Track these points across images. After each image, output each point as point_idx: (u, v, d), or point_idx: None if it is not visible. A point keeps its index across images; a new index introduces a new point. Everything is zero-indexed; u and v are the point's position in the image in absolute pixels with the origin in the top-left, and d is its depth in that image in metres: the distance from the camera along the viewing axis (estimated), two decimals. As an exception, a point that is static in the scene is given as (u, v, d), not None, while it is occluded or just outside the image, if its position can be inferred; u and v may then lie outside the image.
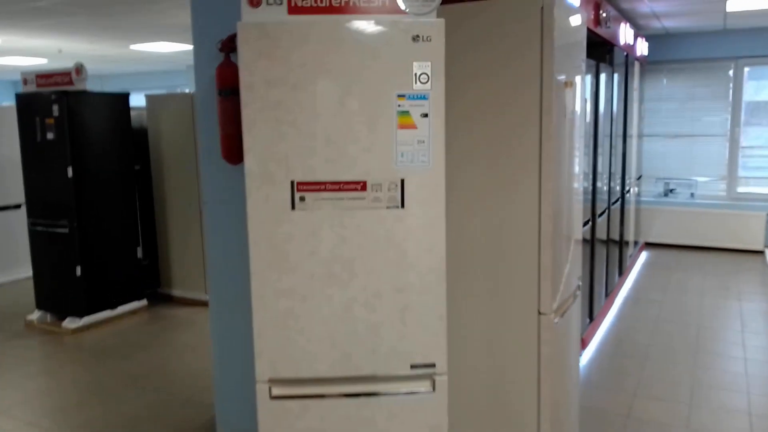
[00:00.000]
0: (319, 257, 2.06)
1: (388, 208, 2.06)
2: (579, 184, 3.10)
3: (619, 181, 5.96)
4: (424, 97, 2.03)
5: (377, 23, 1.99)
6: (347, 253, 2.07)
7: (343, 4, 2.02)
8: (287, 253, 2.06)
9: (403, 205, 2.07)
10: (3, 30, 6.44)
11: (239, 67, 2.00)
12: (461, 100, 2.57)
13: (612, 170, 5.49)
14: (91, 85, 5.31)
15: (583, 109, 3.31)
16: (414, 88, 2.02)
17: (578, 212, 3.07)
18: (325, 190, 2.04)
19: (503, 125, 2.55)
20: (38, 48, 7.64)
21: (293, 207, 2.04)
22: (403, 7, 2.02)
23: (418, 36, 2.00)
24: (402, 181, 2.06)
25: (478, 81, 2.55)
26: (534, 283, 2.59)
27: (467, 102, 2.57)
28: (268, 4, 2.02)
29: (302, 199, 2.04)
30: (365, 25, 1.99)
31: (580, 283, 3.12)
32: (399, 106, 2.02)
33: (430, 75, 2.02)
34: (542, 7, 2.48)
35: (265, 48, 1.98)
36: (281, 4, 2.03)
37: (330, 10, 2.02)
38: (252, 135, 2.01)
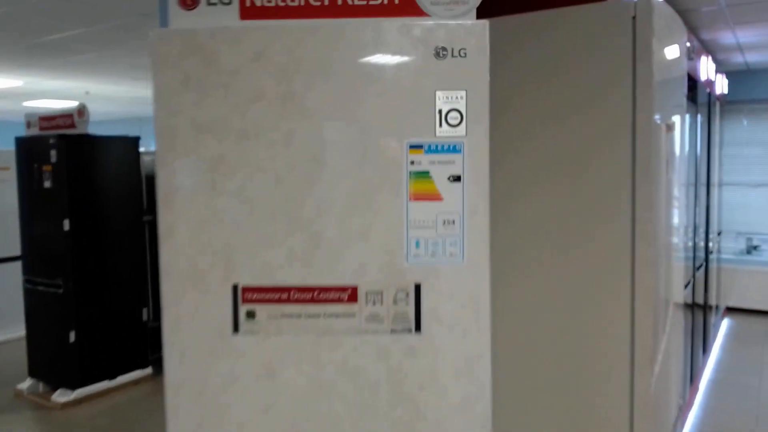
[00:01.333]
0: (278, 417, 1.22)
1: (393, 332, 1.22)
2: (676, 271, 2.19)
3: (702, 236, 4.94)
4: (454, 149, 1.19)
5: (377, 29, 1.18)
6: (327, 410, 1.22)
7: (325, 2, 1.22)
8: (225, 409, 1.22)
9: (418, 328, 1.21)
10: (22, 71, 5.99)
11: (153, 100, 1.22)
12: (519, 152, 1.72)
13: (696, 225, 4.49)
14: (130, 129, 4.69)
15: (683, 161, 2.41)
16: (438, 134, 1.19)
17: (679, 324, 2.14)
18: (289, 300, 1.22)
19: (584, 192, 1.68)
20: (63, 90, 7.21)
21: (236, 329, 1.22)
22: (424, 5, 1.21)
23: (444, 49, 1.18)
24: (417, 288, 1.21)
25: (547, 122, 1.69)
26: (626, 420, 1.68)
27: (528, 155, 1.72)
28: (209, 4, 1.24)
29: (251, 315, 1.22)
30: (359, 33, 1.18)
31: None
32: (412, 163, 1.20)
33: (464, 113, 1.19)
34: (634, 17, 1.63)
35: (195, 71, 1.19)
36: (229, 3, 1.24)
37: (305, 11, 1.22)
38: (171, 211, 1.21)
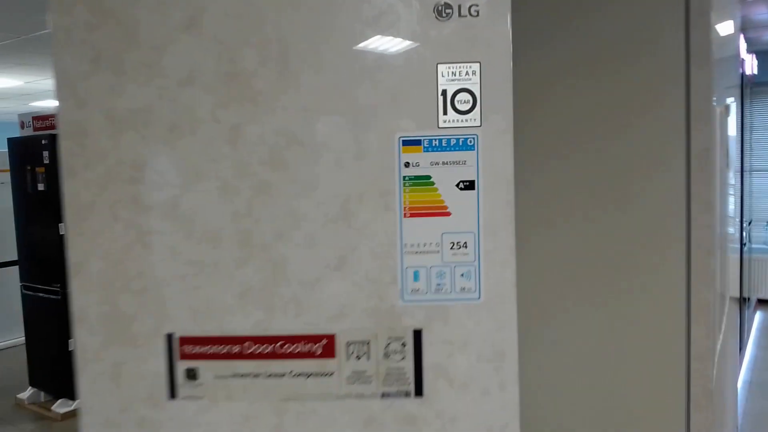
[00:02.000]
0: None
1: (385, 396, 0.87)
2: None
3: (738, 225, 4.53)
4: (465, 145, 0.85)
5: (355, -20, 0.83)
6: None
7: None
8: (156, 503, 0.89)
9: (419, 391, 0.87)
10: (21, 69, 5.72)
11: (55, 87, 0.88)
12: (556, 154, 1.36)
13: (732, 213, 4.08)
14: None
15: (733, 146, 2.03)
16: (441, 124, 0.85)
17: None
18: (242, 355, 0.88)
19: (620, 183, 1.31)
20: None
21: (173, 393, 0.89)
22: (419, -49, 0.86)
23: (448, 6, 0.83)
24: (417, 336, 0.87)
25: (595, 121, 1.32)
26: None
27: (567, 157, 1.35)
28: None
29: (192, 374, 0.88)
30: (329, -13, 0.84)
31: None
32: (407, 165, 0.85)
33: (478, 94, 0.84)
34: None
35: (109, 47, 0.85)
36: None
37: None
38: (83, 236, 0.88)
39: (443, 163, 0.85)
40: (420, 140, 0.84)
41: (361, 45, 0.83)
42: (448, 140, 0.84)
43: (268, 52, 0.84)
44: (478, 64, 0.83)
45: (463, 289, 0.86)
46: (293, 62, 0.84)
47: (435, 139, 0.84)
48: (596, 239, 1.30)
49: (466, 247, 0.86)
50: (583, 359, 1.33)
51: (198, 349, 0.88)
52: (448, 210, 0.85)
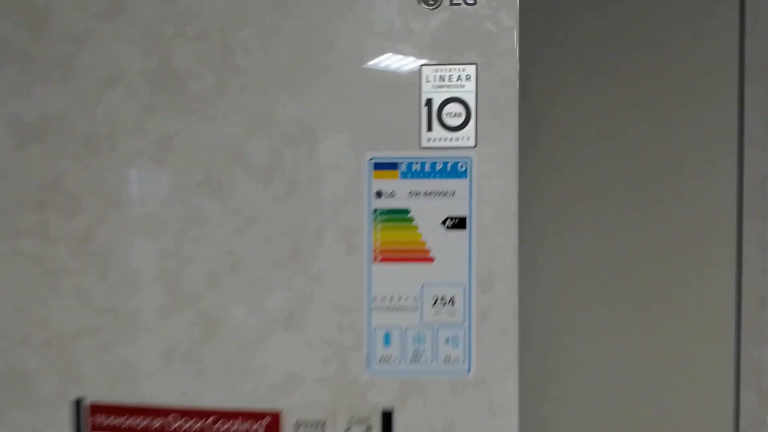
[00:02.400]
0: None
1: (341, 497, 0.67)
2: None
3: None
4: (454, 171, 0.65)
5: (320, -41, 0.65)
6: None
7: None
8: None
9: (387, 491, 0.66)
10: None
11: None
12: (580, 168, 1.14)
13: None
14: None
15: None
16: (425, 143, 0.65)
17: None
18: (163, 432, 0.68)
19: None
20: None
21: (76, 477, 0.69)
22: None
23: (438, -8, 0.64)
24: (387, 418, 0.66)
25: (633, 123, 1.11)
26: None
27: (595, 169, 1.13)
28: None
29: (101, 455, 0.69)
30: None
31: None
32: (379, 195, 0.65)
33: (472, 105, 0.64)
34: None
35: (16, 39, 0.69)
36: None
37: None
38: (-26, 271, 0.70)
39: (426, 193, 0.65)
40: (396, 163, 0.65)
41: (324, 39, 0.65)
42: (433, 164, 0.64)
43: (206, 45, 0.66)
44: (473, 67, 0.64)
45: (448, 358, 0.65)
46: (237, 59, 0.65)
47: (416, 162, 0.64)
48: (632, 244, 1.07)
49: (453, 304, 0.65)
50: (612, 383, 1.09)
51: (112, 421, 0.69)
52: (430, 255, 0.65)
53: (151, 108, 0.67)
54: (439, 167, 0.64)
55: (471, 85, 0.64)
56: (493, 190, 0.64)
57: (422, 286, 0.65)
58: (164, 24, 0.66)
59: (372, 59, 0.64)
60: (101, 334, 0.69)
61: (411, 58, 0.64)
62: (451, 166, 0.64)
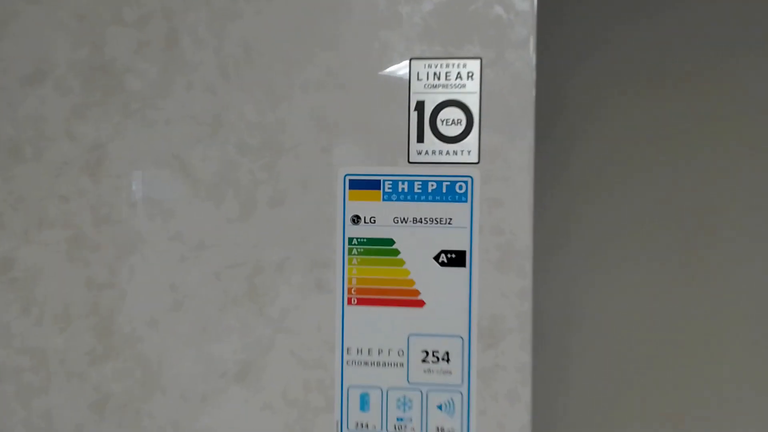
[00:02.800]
0: None
1: None
2: None
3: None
4: (452, 193, 0.51)
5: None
6: None
7: None
8: None
9: None
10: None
11: None
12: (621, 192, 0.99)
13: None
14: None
15: None
16: (414, 157, 0.51)
17: None
18: (89, 504, 0.56)
19: None
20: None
21: None
22: None
23: (436, -33, 0.51)
24: (361, 499, 0.53)
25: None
26: None
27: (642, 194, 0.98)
28: None
29: None
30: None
31: None
32: (356, 221, 0.52)
33: (474, 109, 0.50)
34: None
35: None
36: None
37: None
38: None
39: (415, 220, 0.51)
40: (378, 181, 0.51)
41: (289, 27, 0.52)
42: (425, 184, 0.51)
43: (148, 33, 0.53)
44: (477, 62, 0.50)
45: (441, 430, 0.52)
46: (185, 51, 0.53)
47: (403, 181, 0.51)
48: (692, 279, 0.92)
49: (448, 360, 0.51)
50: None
51: (31, 485, 0.57)
52: (420, 297, 0.51)
53: (83, 109, 0.54)
54: (432, 188, 0.51)
55: (474, 85, 0.50)
56: (501, 218, 0.51)
57: (408, 337, 0.52)
58: (100, 6, 0.54)
59: (349, 51, 0.51)
60: (24, 379, 0.57)
61: (398, 50, 0.51)
62: (448, 187, 0.51)
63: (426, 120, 0.50)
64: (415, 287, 0.52)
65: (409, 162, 0.51)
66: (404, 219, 0.51)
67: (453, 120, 0.50)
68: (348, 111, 0.51)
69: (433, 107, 0.50)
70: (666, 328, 0.91)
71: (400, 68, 0.51)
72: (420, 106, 0.50)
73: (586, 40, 0.89)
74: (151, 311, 0.54)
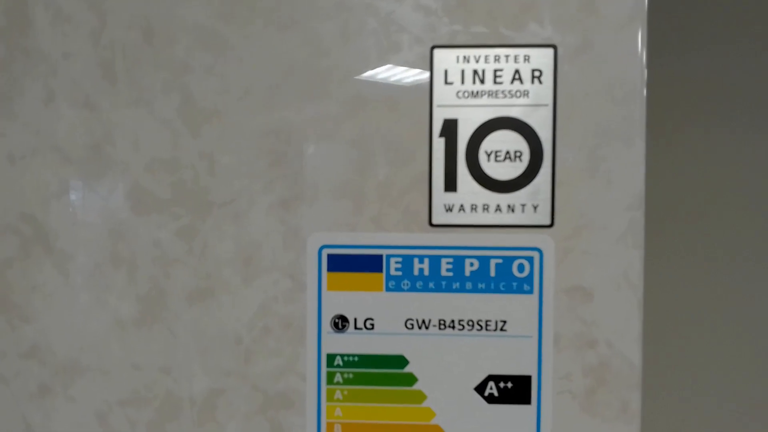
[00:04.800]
0: None
1: None
2: None
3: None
4: (507, 277, 0.29)
5: None
6: None
7: None
8: None
9: None
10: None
11: None
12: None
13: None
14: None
15: None
16: (437, 216, 0.30)
17: None
18: None
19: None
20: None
21: None
22: None
23: None
24: None
25: None
26: None
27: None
28: None
29: None
30: None
31: None
32: (339, 325, 0.30)
33: (547, 137, 0.29)
34: None
35: None
36: None
37: None
38: None
39: (444, 324, 0.29)
40: (380, 257, 0.29)
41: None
42: (459, 261, 0.29)
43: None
44: (549, 53, 0.28)
45: None
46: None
47: (421, 258, 0.29)
48: None
49: None
50: None
51: None
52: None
53: None
54: (471, 268, 0.29)
55: (545, 92, 0.28)
56: (592, 321, 0.29)
57: None
58: None
59: (321, 32, 0.29)
60: None
61: (411, 32, 0.29)
62: (499, 267, 0.29)
63: (461, 152, 0.29)
64: (442, 436, 0.30)
65: (432, 225, 0.29)
66: (425, 323, 0.29)
67: (508, 152, 0.29)
68: (323, 135, 0.29)
69: (473, 131, 0.29)
70: None
71: (415, 63, 0.29)
72: (450, 128, 0.29)
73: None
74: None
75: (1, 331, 0.31)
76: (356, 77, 0.29)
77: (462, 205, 0.29)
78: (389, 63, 0.29)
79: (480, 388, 0.29)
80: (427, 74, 0.29)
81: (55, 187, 0.30)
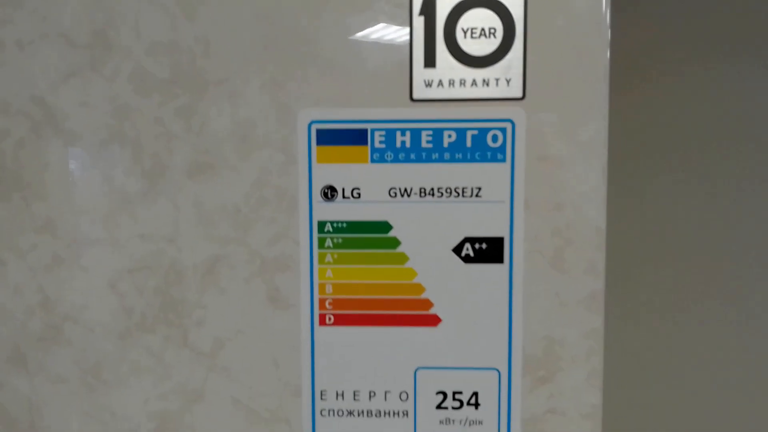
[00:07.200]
0: None
1: None
2: None
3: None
4: (482, 147, 0.31)
5: None
6: None
7: None
8: None
9: None
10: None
11: None
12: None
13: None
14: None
15: None
16: (418, 91, 0.32)
17: None
18: None
19: None
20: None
21: None
22: None
23: None
24: None
25: None
26: None
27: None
28: None
29: None
30: None
31: None
32: (329, 195, 0.32)
33: (516, 16, 0.31)
34: None
35: None
36: None
37: None
38: None
39: (424, 192, 0.32)
40: (365, 131, 0.31)
41: None
42: (437, 134, 0.31)
43: None
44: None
45: None
46: None
47: (403, 131, 0.31)
48: None
49: (476, 405, 0.33)
50: None
51: None
52: (432, 311, 0.32)
53: None
54: (449, 140, 0.31)
55: (516, -29, 0.30)
56: (559, 186, 0.31)
57: (416, 371, 0.33)
58: None
59: None
60: None
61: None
62: (474, 138, 0.31)
63: (439, 30, 0.31)
64: (424, 296, 0.32)
65: (413, 100, 0.31)
66: (407, 191, 0.32)
67: (483, 30, 0.31)
68: (308, 20, 0.31)
69: (450, 9, 0.31)
70: None
71: (396, -55, 0.31)
72: (429, 6, 0.31)
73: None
74: (14, 342, 0.34)
75: (16, 208, 0.33)
76: (341, -39, 0.31)
77: (440, 81, 0.31)
78: (372, -50, 0.31)
79: (457, 249, 0.32)
80: (407, -43, 0.31)
81: (63, 71, 0.32)
